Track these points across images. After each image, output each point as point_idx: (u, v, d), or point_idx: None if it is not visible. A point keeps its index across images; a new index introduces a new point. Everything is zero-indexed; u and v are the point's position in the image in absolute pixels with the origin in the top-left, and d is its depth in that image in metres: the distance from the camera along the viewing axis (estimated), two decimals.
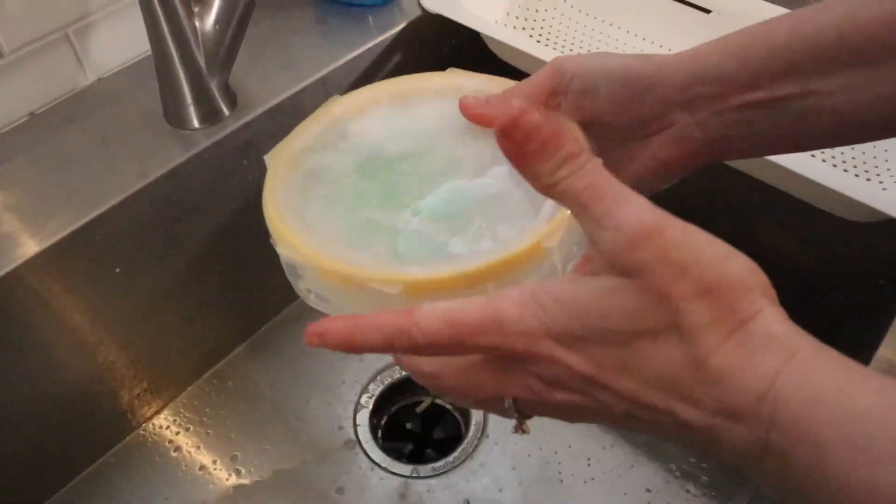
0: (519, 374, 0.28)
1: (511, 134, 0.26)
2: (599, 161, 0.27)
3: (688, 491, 0.62)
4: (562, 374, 0.27)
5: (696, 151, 0.38)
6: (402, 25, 0.67)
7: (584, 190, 0.26)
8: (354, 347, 0.28)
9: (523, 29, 0.74)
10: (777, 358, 0.24)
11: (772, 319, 0.25)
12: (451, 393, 0.32)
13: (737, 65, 0.35)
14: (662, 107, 0.37)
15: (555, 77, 0.38)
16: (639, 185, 0.34)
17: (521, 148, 0.27)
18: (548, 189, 0.27)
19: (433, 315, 0.27)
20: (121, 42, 0.62)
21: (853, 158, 0.65)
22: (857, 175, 0.64)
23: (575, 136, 0.28)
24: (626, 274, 0.26)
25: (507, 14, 0.73)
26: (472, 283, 0.32)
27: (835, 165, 0.65)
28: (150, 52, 0.55)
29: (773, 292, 0.26)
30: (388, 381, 0.69)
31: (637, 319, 0.25)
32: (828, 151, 0.65)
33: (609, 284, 0.26)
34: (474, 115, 0.38)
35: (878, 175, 0.63)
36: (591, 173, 0.26)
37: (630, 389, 0.26)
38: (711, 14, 0.68)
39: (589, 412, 0.28)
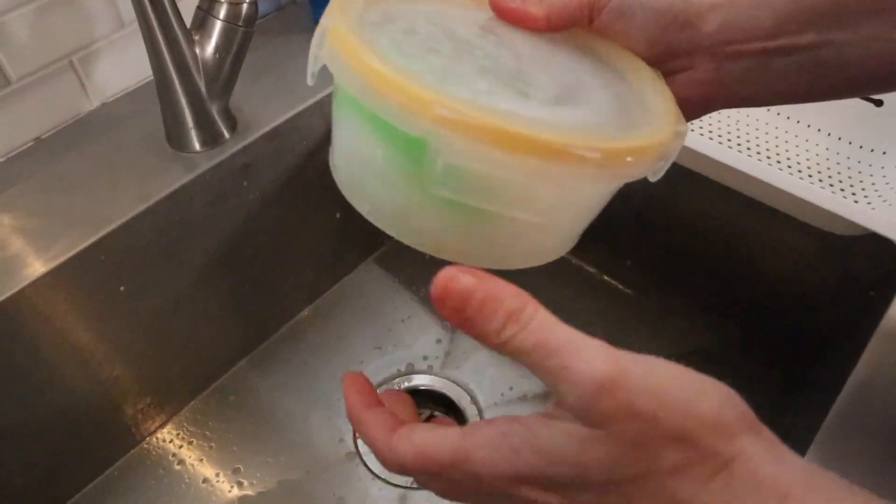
0: (492, 500, 0.28)
1: (445, 303, 0.26)
2: (544, 312, 0.26)
3: None
4: None
5: (712, 94, 0.38)
6: None
7: (534, 349, 0.25)
8: (353, 426, 0.31)
9: None
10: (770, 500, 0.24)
11: (758, 460, 0.24)
12: (441, 494, 0.31)
13: (764, 13, 0.35)
14: (690, 47, 0.37)
15: None
16: None
17: (459, 314, 0.26)
18: (499, 348, 0.26)
19: (409, 443, 0.28)
20: (123, 68, 0.64)
21: (839, 174, 0.66)
22: (842, 190, 0.65)
23: (515, 291, 0.25)
24: (595, 426, 0.25)
25: None
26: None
27: (821, 181, 0.66)
28: (151, 78, 0.57)
29: (753, 419, 0.25)
30: None
31: (614, 469, 0.25)
32: (815, 170, 0.67)
33: (581, 434, 0.25)
34: (505, 8, 0.37)
35: (863, 191, 0.64)
36: (539, 329, 0.25)
37: None
38: None
39: None
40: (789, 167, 0.67)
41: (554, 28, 0.38)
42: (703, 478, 0.24)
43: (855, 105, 0.66)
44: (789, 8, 0.35)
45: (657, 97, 0.35)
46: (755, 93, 0.38)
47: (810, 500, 0.24)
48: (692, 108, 0.39)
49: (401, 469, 0.29)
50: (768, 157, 0.68)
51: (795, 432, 0.59)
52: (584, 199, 0.33)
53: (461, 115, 0.27)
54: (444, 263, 0.28)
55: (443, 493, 0.30)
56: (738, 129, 0.71)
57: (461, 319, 0.26)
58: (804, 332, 0.71)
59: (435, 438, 0.28)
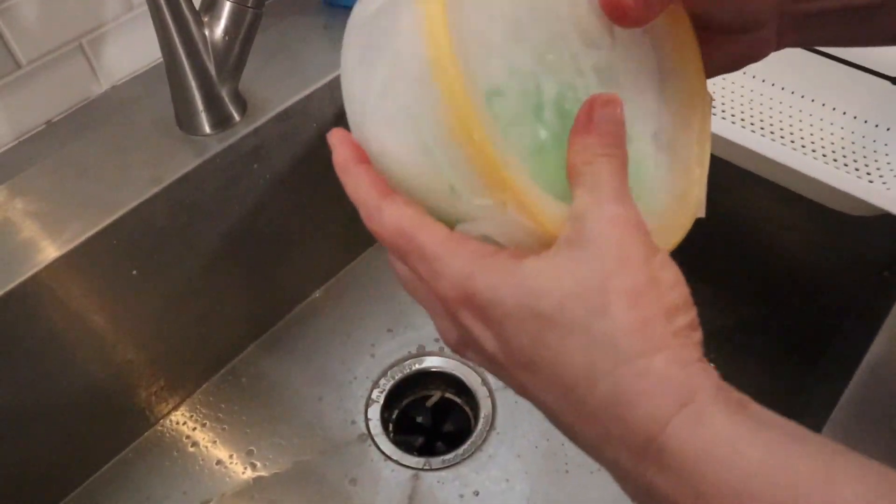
0: (438, 309, 0.29)
1: (592, 114, 0.28)
2: (626, 166, 0.28)
3: None
4: (472, 341, 0.28)
5: (755, 56, 0.36)
6: None
7: (603, 173, 0.27)
8: (342, 179, 0.30)
9: None
10: (671, 403, 0.24)
11: (674, 361, 0.24)
12: (399, 279, 0.31)
13: None
14: (761, 20, 0.34)
15: None
16: None
17: (589, 125, 0.27)
18: (580, 161, 0.27)
19: (398, 213, 0.28)
20: (132, 50, 0.64)
21: (853, 154, 0.66)
22: (856, 171, 0.64)
23: (622, 138, 0.28)
24: (585, 247, 0.25)
25: None
26: None
27: (835, 160, 0.65)
28: (160, 60, 0.56)
29: (695, 333, 0.26)
30: (398, 376, 0.71)
31: (565, 305, 0.25)
32: (829, 150, 0.66)
33: (559, 261, 0.25)
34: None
35: (878, 171, 0.64)
36: (614, 167, 0.27)
37: (525, 382, 0.27)
38: None
39: (494, 373, 0.29)
40: (803, 147, 0.67)
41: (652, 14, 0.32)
42: (622, 357, 0.24)
43: (870, 83, 0.65)
44: None
45: (696, 173, 0.33)
46: (799, 44, 0.37)
47: (713, 410, 0.24)
48: (730, 68, 0.37)
49: (377, 233, 0.28)
50: (782, 138, 0.68)
51: (810, 411, 0.59)
52: None
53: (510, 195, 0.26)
54: None
55: (403, 281, 0.30)
56: (751, 110, 0.70)
57: (584, 129, 0.28)
58: (819, 313, 0.70)
59: (426, 223, 0.27)
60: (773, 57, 0.36)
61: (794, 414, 0.26)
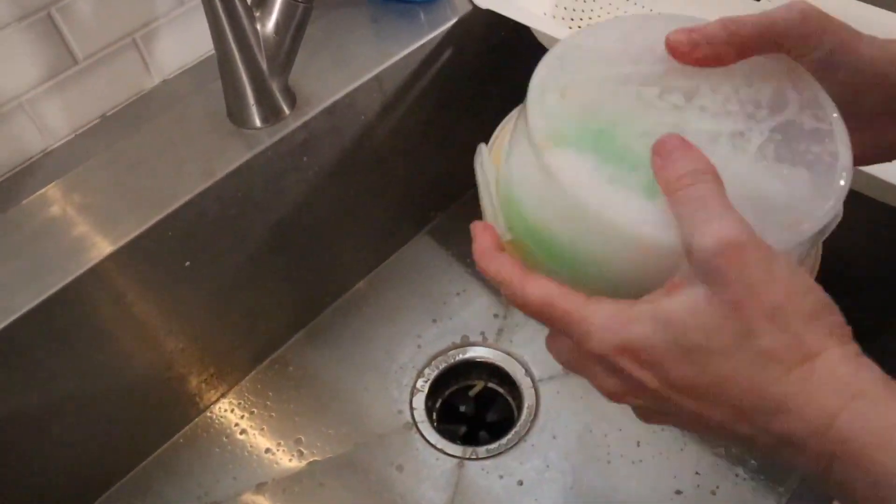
0: (593, 368, 0.31)
1: (659, 152, 0.30)
2: (722, 186, 0.29)
3: (737, 475, 0.63)
4: (632, 385, 0.29)
5: (881, 155, 0.37)
6: (453, 21, 0.68)
7: (698, 199, 0.28)
8: (480, 265, 0.33)
9: (572, 20, 0.74)
10: (839, 398, 0.25)
11: (838, 359, 0.26)
12: (556, 358, 0.34)
13: None
14: (883, 109, 0.35)
15: (801, 36, 0.34)
16: None
17: (662, 166, 0.29)
18: (671, 192, 0.29)
19: (539, 289, 0.31)
20: (183, 45, 0.64)
21: None
22: None
23: (707, 162, 0.29)
24: (708, 282, 0.27)
25: (556, 6, 0.73)
26: None
27: None
28: (209, 54, 0.57)
29: (846, 330, 0.27)
30: (442, 365, 0.72)
31: (712, 335, 0.27)
32: None
33: (692, 298, 0.27)
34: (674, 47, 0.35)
35: None
36: (708, 189, 0.28)
37: (695, 408, 0.28)
38: (761, 3, 0.68)
39: (655, 414, 0.31)
40: None
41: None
42: (786, 366, 0.26)
43: None
44: None
45: None
46: None
47: (882, 402, 0.25)
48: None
49: (523, 307, 0.31)
50: None
51: None
52: None
53: None
54: None
55: (549, 346, 0.33)
56: None
57: (662, 164, 0.29)
58: (867, 309, 0.69)
59: (564, 292, 0.30)
60: None
61: None
